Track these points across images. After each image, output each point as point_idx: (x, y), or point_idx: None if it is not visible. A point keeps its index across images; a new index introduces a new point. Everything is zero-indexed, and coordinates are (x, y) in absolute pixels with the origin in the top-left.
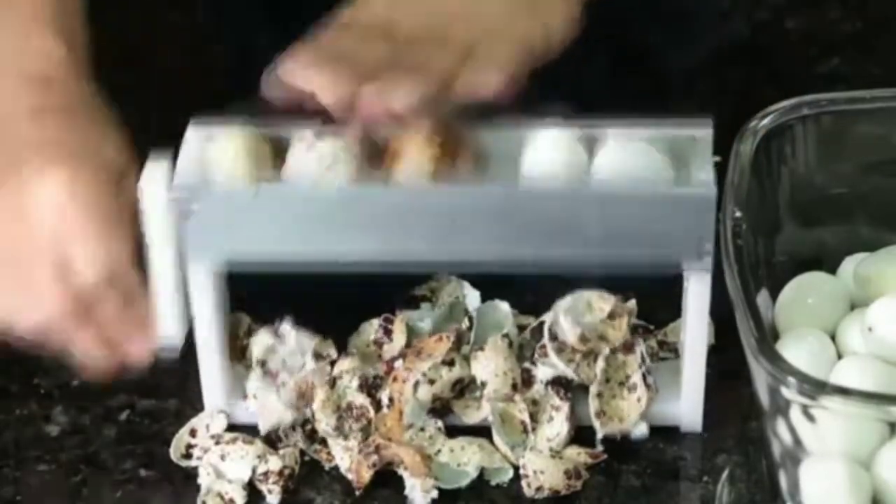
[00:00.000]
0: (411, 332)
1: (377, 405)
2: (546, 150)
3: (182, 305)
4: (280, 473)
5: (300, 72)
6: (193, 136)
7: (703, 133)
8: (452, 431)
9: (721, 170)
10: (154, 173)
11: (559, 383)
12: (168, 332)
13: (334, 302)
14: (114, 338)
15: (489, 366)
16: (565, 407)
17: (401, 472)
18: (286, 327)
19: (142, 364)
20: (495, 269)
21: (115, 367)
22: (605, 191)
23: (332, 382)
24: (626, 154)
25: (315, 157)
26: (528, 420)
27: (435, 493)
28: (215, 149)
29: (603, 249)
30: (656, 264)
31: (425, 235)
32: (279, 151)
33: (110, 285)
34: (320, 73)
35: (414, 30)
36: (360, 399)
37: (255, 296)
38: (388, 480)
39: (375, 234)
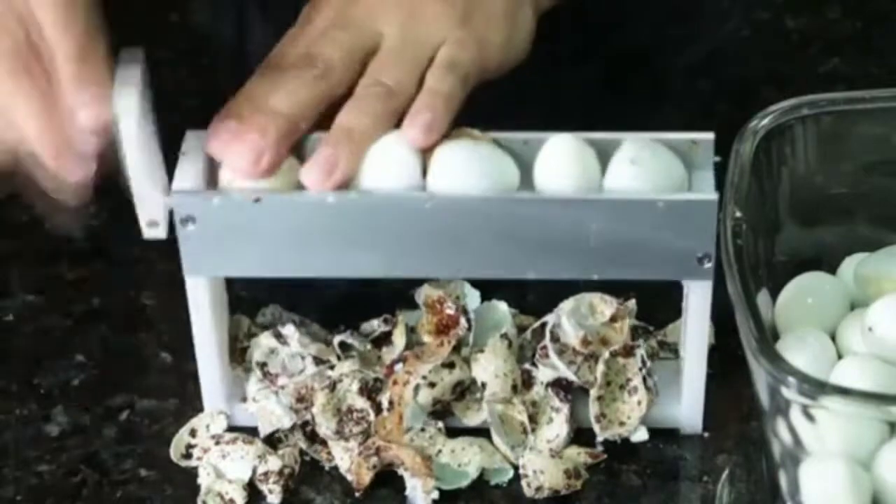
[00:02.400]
0: (411, 334)
1: (377, 408)
2: (557, 157)
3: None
4: (280, 473)
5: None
6: (191, 145)
7: (703, 138)
8: (453, 432)
9: (721, 170)
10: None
11: (559, 385)
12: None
13: (334, 303)
14: (62, 101)
15: (489, 367)
16: (565, 409)
17: (401, 472)
18: (289, 330)
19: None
20: (501, 276)
21: (65, 147)
22: (603, 198)
23: (332, 386)
24: (643, 155)
25: None
26: (527, 422)
27: (436, 494)
28: None
29: (603, 260)
30: (657, 275)
31: (427, 244)
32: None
33: (64, 33)
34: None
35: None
36: (360, 403)
37: (255, 298)
38: (388, 481)
39: (378, 245)
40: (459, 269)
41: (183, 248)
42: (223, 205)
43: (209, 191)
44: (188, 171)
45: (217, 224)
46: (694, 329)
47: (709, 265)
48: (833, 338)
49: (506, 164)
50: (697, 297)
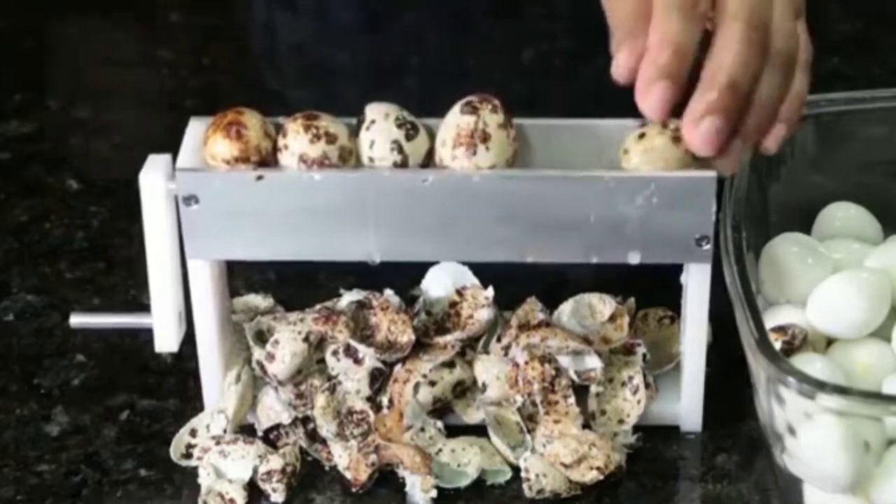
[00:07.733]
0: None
1: (377, 407)
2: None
3: (180, 306)
4: (283, 471)
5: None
6: (195, 130)
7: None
8: (453, 430)
9: None
10: (155, 169)
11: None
12: (164, 334)
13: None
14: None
15: (492, 369)
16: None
17: (400, 471)
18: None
19: None
20: (500, 258)
21: None
22: (602, 175)
23: (332, 389)
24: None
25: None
26: (522, 423)
27: (434, 493)
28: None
29: (602, 243)
30: (657, 258)
31: (426, 223)
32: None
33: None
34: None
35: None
36: (361, 404)
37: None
38: (387, 480)
39: (377, 224)
40: (459, 251)
41: (185, 229)
42: (226, 183)
43: (212, 169)
44: (192, 153)
45: (219, 203)
46: (693, 317)
47: (707, 247)
48: None
49: None
50: (696, 283)
